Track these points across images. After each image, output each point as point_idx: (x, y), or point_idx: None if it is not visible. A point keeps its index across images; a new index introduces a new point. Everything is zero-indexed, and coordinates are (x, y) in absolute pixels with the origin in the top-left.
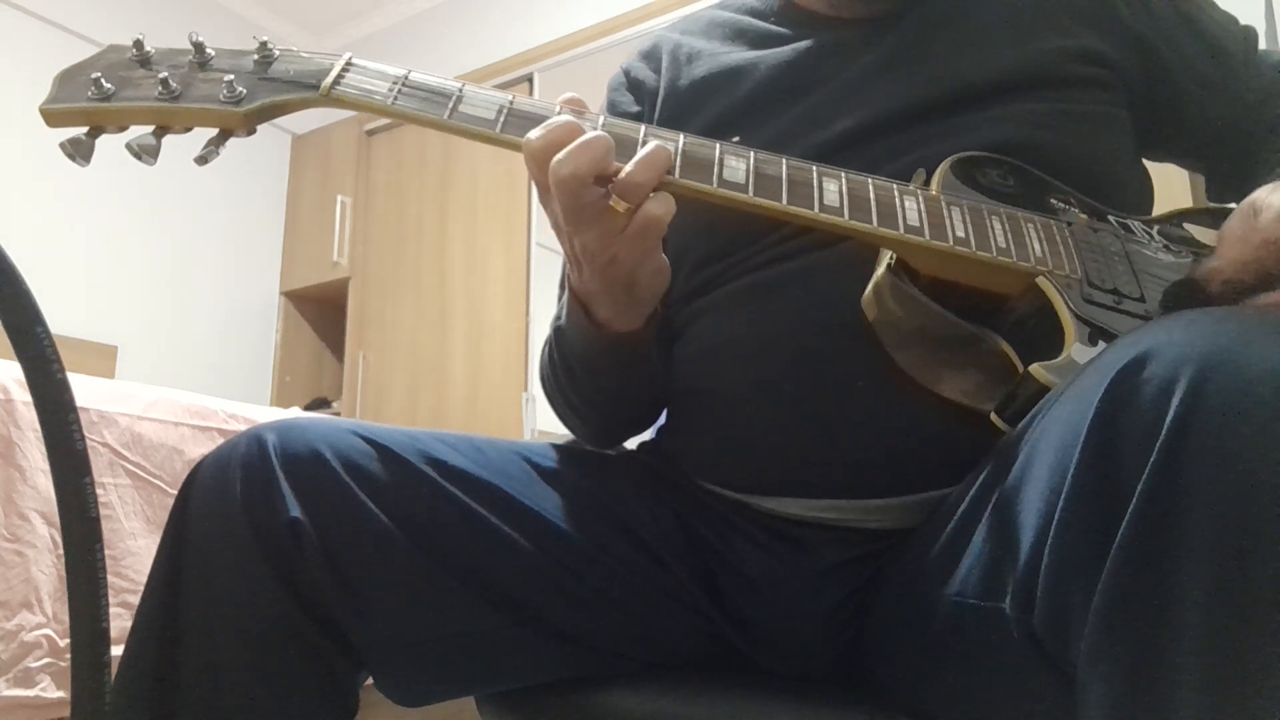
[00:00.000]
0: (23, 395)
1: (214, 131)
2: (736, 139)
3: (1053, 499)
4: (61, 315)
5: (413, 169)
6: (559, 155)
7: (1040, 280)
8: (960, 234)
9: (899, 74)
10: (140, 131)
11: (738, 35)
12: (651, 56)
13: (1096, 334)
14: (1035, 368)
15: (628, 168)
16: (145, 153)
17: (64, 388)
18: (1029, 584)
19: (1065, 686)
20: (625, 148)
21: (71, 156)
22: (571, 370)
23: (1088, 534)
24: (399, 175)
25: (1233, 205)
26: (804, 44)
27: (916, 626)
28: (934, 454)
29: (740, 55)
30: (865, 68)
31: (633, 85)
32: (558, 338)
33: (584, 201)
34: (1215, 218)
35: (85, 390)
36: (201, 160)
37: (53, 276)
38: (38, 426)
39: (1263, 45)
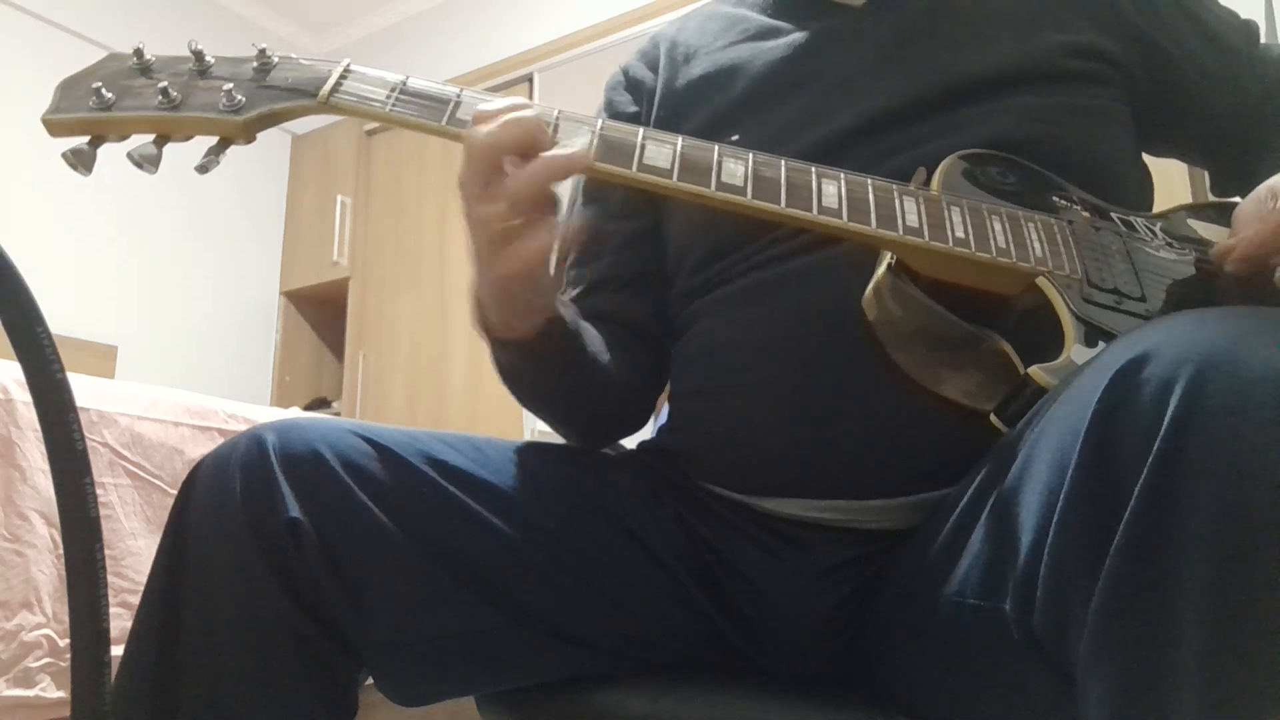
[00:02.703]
0: (23, 395)
1: (214, 139)
2: (735, 137)
3: (1052, 499)
4: (61, 315)
5: (413, 169)
6: (485, 126)
7: (1040, 281)
8: (960, 234)
9: (896, 68)
10: (141, 140)
11: (733, 29)
12: (649, 56)
13: (1097, 334)
14: (1035, 370)
15: (509, 178)
16: (147, 162)
17: (64, 388)
18: (1029, 584)
19: (1065, 687)
20: (622, 151)
21: (74, 166)
22: (502, 371)
23: (1087, 534)
24: (399, 175)
25: (1237, 199)
26: (799, 36)
27: (916, 627)
28: (933, 454)
29: (735, 51)
30: (862, 60)
31: (631, 85)
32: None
33: (483, 185)
34: (1220, 212)
35: (85, 390)
36: (202, 169)
37: (53, 276)
38: (38, 426)
39: (1263, 39)
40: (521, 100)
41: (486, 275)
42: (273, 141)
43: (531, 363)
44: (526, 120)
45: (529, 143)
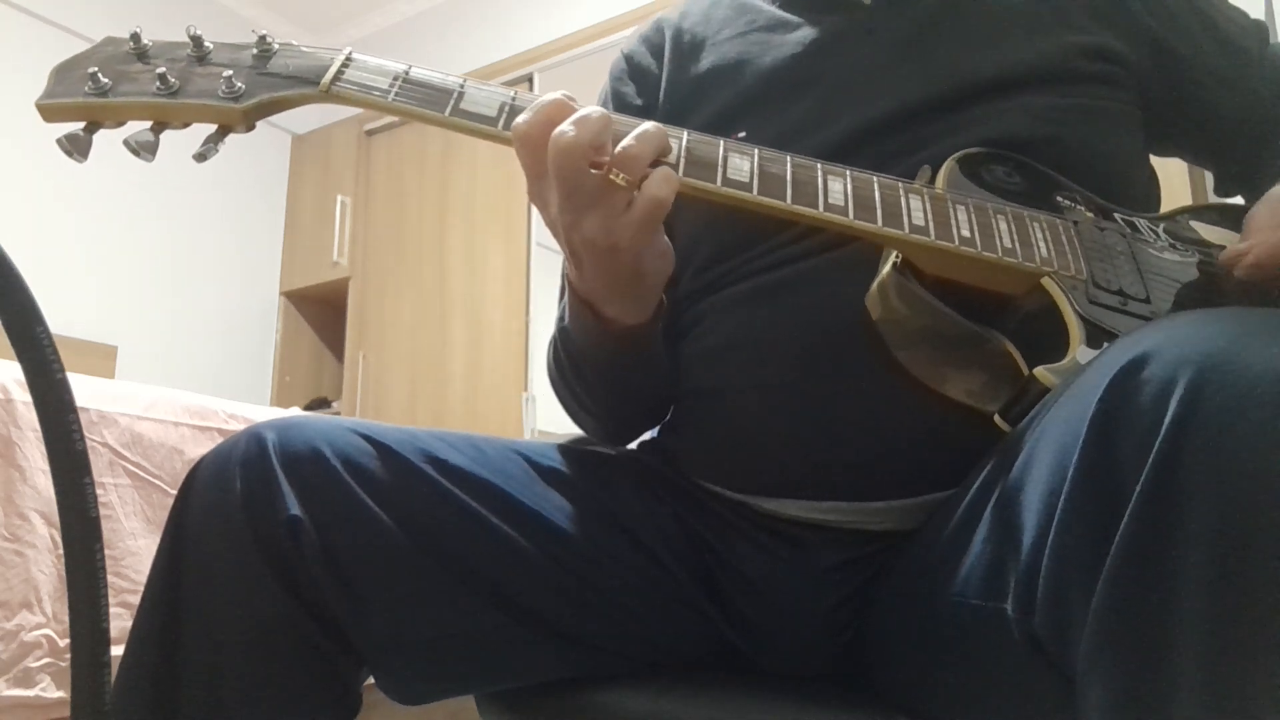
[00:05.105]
0: (23, 395)
1: (212, 128)
2: (742, 134)
3: (1052, 499)
4: (61, 315)
5: (413, 169)
6: (558, 128)
7: (1045, 281)
8: (965, 234)
9: (906, 68)
10: (138, 127)
11: (740, 19)
12: (653, 42)
13: (1101, 336)
14: (1040, 371)
15: (625, 141)
16: (143, 149)
17: (64, 388)
18: (1030, 585)
19: (1065, 687)
20: None
21: (69, 153)
22: (581, 371)
23: (1087, 535)
24: (399, 175)
25: (1240, 200)
26: (809, 32)
27: (917, 627)
28: (937, 456)
29: (743, 43)
30: (872, 60)
31: (635, 73)
32: (563, 339)
33: (583, 181)
34: (1223, 215)
35: (85, 390)
36: (200, 157)
37: (53, 276)
38: (38, 426)
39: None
40: (551, 97)
41: (608, 264)
42: (273, 141)
43: (635, 351)
44: (592, 119)
45: (605, 135)
